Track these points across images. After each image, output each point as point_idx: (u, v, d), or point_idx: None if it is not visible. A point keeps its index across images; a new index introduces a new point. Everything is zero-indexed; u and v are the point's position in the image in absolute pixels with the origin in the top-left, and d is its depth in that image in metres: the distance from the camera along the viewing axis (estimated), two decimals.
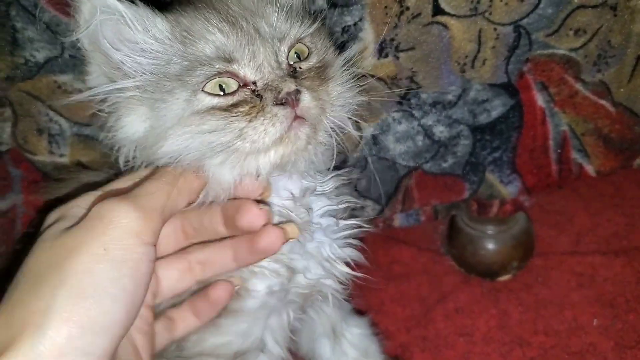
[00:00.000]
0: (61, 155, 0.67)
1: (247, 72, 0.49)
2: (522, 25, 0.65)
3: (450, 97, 0.70)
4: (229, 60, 0.48)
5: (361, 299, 0.75)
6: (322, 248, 0.56)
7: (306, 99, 0.48)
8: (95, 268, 0.42)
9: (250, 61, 0.48)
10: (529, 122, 0.72)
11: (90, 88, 0.50)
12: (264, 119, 0.47)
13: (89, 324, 0.40)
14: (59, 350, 0.39)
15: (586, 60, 0.69)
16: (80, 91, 0.52)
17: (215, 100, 0.47)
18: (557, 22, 0.66)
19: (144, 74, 0.48)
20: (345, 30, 0.65)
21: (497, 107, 0.71)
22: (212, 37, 0.48)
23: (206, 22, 0.49)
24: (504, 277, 0.85)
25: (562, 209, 0.94)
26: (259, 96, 0.48)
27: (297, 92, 0.47)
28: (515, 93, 0.70)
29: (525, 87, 0.70)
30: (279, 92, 0.47)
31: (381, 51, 0.66)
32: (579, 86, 0.71)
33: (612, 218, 0.91)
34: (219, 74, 0.48)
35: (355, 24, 0.64)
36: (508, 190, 0.76)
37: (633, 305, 0.78)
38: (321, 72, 0.52)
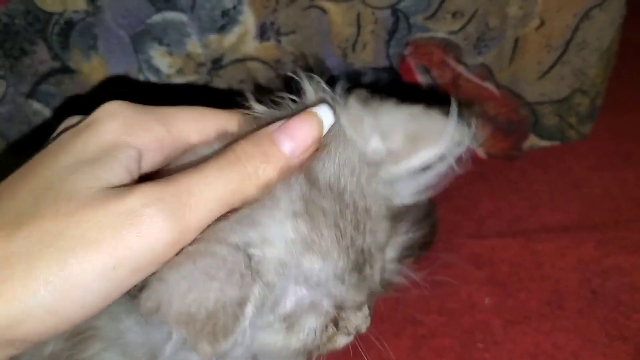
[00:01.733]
0: None
1: (350, 316, 0.47)
2: (399, 8, 0.67)
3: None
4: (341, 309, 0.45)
5: None
6: None
7: (368, 323, 0.49)
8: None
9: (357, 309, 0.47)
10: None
11: None
12: (327, 345, 0.47)
13: None
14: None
15: (466, 43, 0.71)
16: None
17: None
18: (434, 5, 0.68)
19: None
20: (224, 14, 0.66)
21: None
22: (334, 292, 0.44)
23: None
24: (406, 261, 0.87)
25: (468, 193, 0.95)
26: (336, 325, 0.47)
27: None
28: (397, 77, 0.72)
29: (407, 70, 0.72)
30: (357, 330, 0.48)
31: (263, 34, 0.68)
32: (461, 69, 0.73)
33: (515, 202, 0.93)
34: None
35: (234, 7, 0.66)
36: None
37: (525, 284, 0.80)
38: None
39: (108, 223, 0.35)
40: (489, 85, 0.74)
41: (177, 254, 0.37)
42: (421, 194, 0.48)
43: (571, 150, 1.01)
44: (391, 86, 0.72)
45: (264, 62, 0.68)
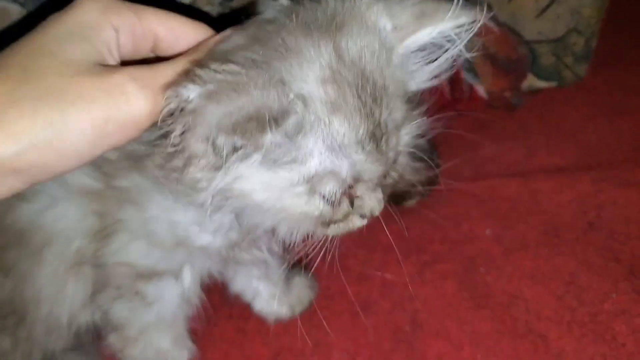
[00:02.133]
0: None
1: (362, 193, 0.49)
2: None
3: None
4: (357, 181, 0.47)
5: None
6: None
7: (381, 207, 0.51)
8: None
9: (371, 190, 0.49)
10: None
11: None
12: (342, 224, 0.50)
13: None
14: None
15: None
16: None
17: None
18: None
19: None
20: None
21: None
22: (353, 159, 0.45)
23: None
24: (410, 202, 0.90)
25: (468, 143, 0.99)
26: (352, 203, 0.49)
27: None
28: None
29: None
30: (370, 213, 0.50)
31: None
32: None
33: (514, 148, 0.96)
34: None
35: None
36: None
37: (524, 217, 0.83)
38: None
39: (102, 89, 0.42)
40: (489, 22, 0.77)
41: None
42: (434, 80, 0.51)
43: (568, 101, 1.05)
44: None
45: None
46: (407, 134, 0.50)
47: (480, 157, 0.96)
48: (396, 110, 0.47)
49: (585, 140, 0.97)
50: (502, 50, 0.79)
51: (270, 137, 0.40)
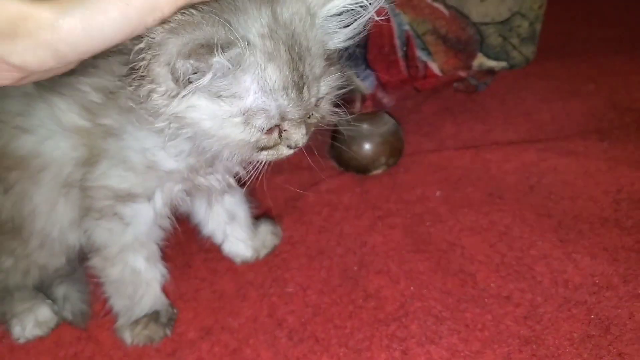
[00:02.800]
0: None
1: (289, 128, 0.59)
2: None
3: None
4: (283, 119, 0.57)
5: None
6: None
7: (305, 141, 0.60)
8: None
9: (296, 126, 0.59)
10: (375, 21, 0.88)
11: None
12: (272, 152, 0.60)
13: None
14: None
15: None
16: None
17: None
18: None
19: None
20: None
21: None
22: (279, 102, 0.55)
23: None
24: (375, 172, 1.00)
25: (432, 121, 1.09)
26: (280, 135, 0.59)
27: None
28: None
29: None
30: (295, 144, 0.60)
31: None
32: None
33: (473, 126, 1.06)
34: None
35: None
36: (364, 85, 0.91)
37: (473, 182, 0.93)
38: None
39: None
40: (439, 6, 0.87)
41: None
42: (349, 41, 0.61)
43: (527, 87, 1.14)
44: None
45: None
46: (325, 85, 0.60)
47: (441, 134, 1.06)
48: (316, 67, 0.58)
49: (539, 119, 1.06)
50: (451, 31, 0.88)
51: (217, 59, 0.50)
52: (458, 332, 0.68)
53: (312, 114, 0.61)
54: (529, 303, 0.71)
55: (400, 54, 0.90)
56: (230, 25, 0.51)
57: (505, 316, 0.70)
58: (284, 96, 0.55)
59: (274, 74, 0.54)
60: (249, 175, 0.63)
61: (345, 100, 0.93)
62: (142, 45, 0.51)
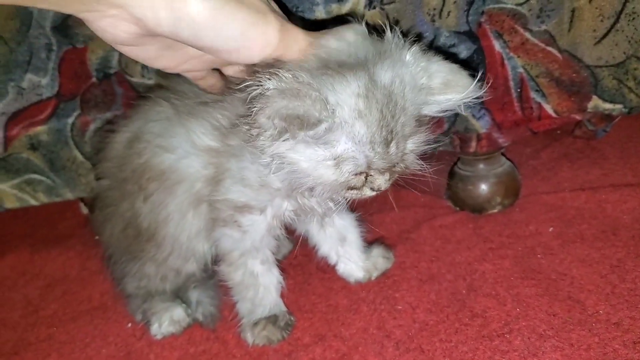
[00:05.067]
0: (149, 79, 0.98)
1: (374, 174, 0.67)
2: None
3: (425, 41, 0.93)
4: (370, 168, 0.65)
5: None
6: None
7: (387, 186, 0.68)
8: None
9: (381, 173, 0.67)
10: (490, 64, 0.93)
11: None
12: (357, 192, 0.69)
13: None
14: None
15: (530, 13, 0.90)
16: None
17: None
18: None
19: None
20: None
21: (463, 51, 0.92)
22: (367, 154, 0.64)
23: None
24: (491, 211, 1.03)
25: (550, 166, 1.11)
26: (366, 178, 0.67)
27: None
28: (476, 39, 0.92)
29: (483, 34, 0.92)
30: (377, 188, 0.69)
31: (370, 4, 0.92)
32: (527, 35, 0.91)
33: (590, 170, 1.07)
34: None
35: None
36: (480, 124, 0.96)
37: (587, 220, 0.93)
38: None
39: (262, 7, 0.61)
40: (552, 50, 0.91)
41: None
42: (441, 113, 0.70)
43: None
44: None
45: (381, 22, 0.91)
46: (412, 143, 0.69)
47: (558, 177, 1.08)
48: (407, 126, 0.66)
49: None
50: (565, 74, 0.92)
51: (302, 134, 0.60)
52: (562, 349, 0.69)
53: (397, 165, 0.69)
54: None
55: (514, 94, 0.94)
56: (327, 100, 0.60)
57: (614, 340, 0.70)
58: (371, 150, 0.64)
59: (362, 130, 0.62)
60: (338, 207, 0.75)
61: (461, 139, 0.99)
62: (255, 93, 0.60)
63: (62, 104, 1.00)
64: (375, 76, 0.63)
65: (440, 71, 0.69)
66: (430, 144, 0.73)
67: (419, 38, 0.73)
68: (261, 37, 0.61)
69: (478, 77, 0.69)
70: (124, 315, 0.90)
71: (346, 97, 0.62)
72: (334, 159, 0.64)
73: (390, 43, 0.69)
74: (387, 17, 0.92)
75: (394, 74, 0.65)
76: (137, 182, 0.79)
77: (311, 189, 0.69)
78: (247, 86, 0.61)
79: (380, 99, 0.63)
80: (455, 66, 0.70)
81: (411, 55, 0.68)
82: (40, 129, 1.01)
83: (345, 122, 0.62)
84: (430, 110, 0.70)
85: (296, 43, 0.65)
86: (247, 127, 0.64)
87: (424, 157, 0.73)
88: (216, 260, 0.83)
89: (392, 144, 0.65)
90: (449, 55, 0.74)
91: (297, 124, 0.58)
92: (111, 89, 1.00)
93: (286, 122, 0.59)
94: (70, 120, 1.01)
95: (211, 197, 0.77)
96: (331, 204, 0.76)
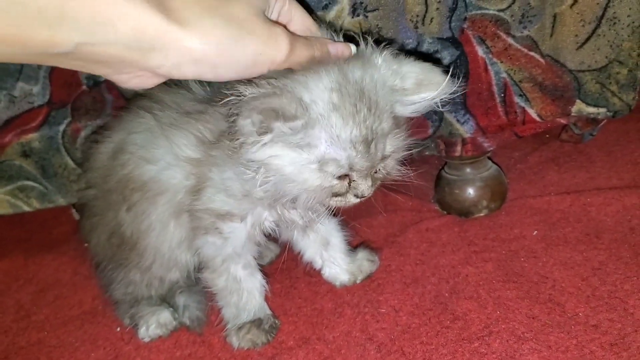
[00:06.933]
0: None
1: (357, 179, 0.68)
2: None
3: (408, 48, 0.94)
4: (352, 169, 0.66)
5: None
6: None
7: (370, 192, 0.70)
8: None
9: (363, 178, 0.68)
10: (474, 69, 0.94)
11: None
12: (341, 199, 0.70)
13: None
14: None
15: (513, 18, 0.91)
16: None
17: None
18: None
19: None
20: None
21: (447, 57, 0.94)
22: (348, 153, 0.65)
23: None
24: (477, 215, 1.04)
25: (537, 170, 1.12)
26: (349, 184, 0.68)
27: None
28: (459, 45, 0.93)
29: (466, 40, 0.93)
30: (361, 194, 0.70)
31: (354, 12, 0.93)
32: (510, 40, 0.92)
33: (577, 174, 1.07)
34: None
35: None
36: (464, 129, 0.97)
37: (571, 223, 0.94)
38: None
39: (266, 31, 0.61)
40: (535, 55, 0.92)
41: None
42: (415, 113, 0.71)
43: (637, 139, 1.14)
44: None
45: (354, 33, 0.93)
46: (390, 144, 0.69)
47: (544, 181, 1.09)
48: (384, 122, 0.67)
49: None
50: (548, 79, 0.93)
51: (278, 125, 0.61)
52: (539, 351, 0.70)
53: (379, 169, 0.71)
54: (618, 332, 0.72)
55: (498, 99, 0.95)
56: (302, 99, 0.62)
57: (591, 342, 0.71)
58: (352, 148, 0.65)
59: (339, 122, 0.64)
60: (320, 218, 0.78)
61: (446, 143, 1.00)
62: (233, 102, 0.63)
63: (54, 111, 1.01)
64: (346, 72, 0.65)
65: (412, 72, 0.70)
66: (410, 150, 0.75)
67: (390, 43, 0.74)
68: (270, 59, 0.62)
69: (450, 72, 0.69)
70: (114, 320, 0.92)
71: (319, 92, 0.63)
72: (318, 162, 0.65)
73: (363, 50, 0.71)
74: (370, 25, 0.93)
75: (364, 72, 0.66)
76: (121, 193, 0.81)
77: (294, 200, 0.71)
78: (228, 102, 0.63)
79: (352, 93, 0.64)
80: (427, 65, 0.71)
81: (382, 59, 0.69)
82: (32, 136, 1.02)
83: (321, 116, 0.63)
84: (407, 110, 0.71)
85: (301, 51, 0.66)
86: (230, 140, 0.66)
87: (406, 162, 0.74)
88: (199, 268, 0.85)
89: (372, 144, 0.66)
90: (432, 61, 0.76)
91: (273, 116, 0.60)
92: (101, 96, 1.01)
93: (262, 114, 0.60)
94: (61, 127, 1.02)
95: (192, 206, 0.78)
96: (313, 215, 0.78)
